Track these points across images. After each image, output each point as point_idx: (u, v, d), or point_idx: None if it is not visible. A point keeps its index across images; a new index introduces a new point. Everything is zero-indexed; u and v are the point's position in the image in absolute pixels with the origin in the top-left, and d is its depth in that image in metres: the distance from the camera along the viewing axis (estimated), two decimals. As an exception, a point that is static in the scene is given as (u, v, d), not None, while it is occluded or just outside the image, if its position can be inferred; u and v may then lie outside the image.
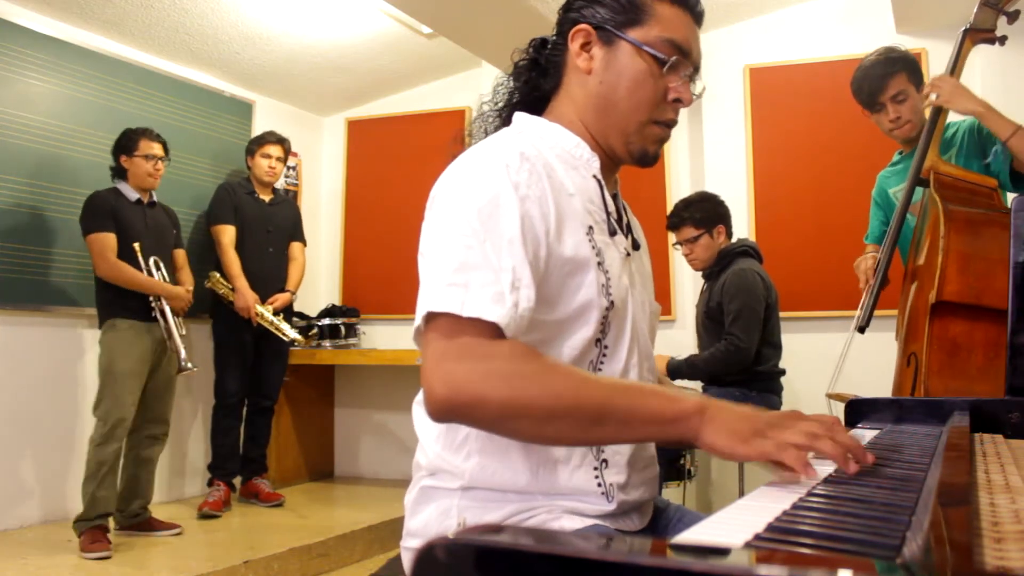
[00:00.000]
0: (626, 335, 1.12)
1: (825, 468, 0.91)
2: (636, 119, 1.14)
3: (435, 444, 1.11)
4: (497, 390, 0.90)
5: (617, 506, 1.09)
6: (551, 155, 1.11)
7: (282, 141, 4.18)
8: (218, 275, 4.00)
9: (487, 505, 1.07)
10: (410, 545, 1.15)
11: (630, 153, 1.16)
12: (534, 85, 1.21)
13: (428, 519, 1.10)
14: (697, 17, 1.17)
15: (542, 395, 0.92)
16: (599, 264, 1.07)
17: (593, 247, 1.07)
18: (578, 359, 1.08)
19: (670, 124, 1.16)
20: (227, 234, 4.01)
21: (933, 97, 2.26)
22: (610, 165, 1.19)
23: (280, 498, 4.04)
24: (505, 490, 1.06)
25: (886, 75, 2.42)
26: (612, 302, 1.08)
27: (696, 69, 1.16)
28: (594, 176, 1.15)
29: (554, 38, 1.20)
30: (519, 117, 1.19)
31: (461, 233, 0.98)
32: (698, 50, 1.16)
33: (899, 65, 2.42)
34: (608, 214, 1.15)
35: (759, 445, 0.89)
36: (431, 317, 0.95)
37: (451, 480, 1.09)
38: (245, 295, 3.94)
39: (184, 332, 3.46)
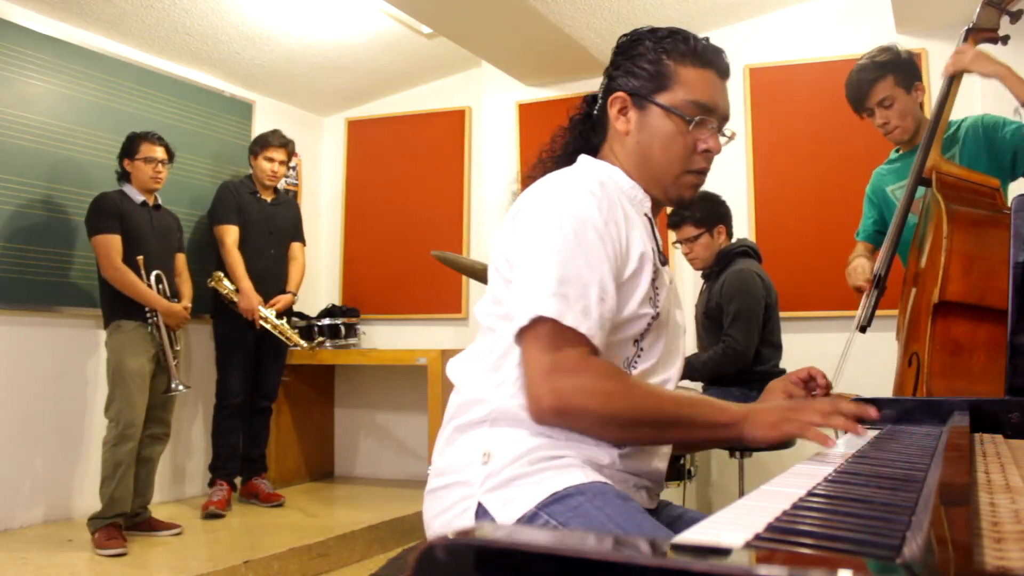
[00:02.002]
0: (661, 341, 1.28)
1: (824, 468, 0.92)
2: (671, 172, 1.30)
3: (475, 380, 1.24)
4: (594, 405, 1.12)
5: (621, 454, 1.20)
6: (615, 190, 1.28)
7: (286, 144, 4.13)
8: (221, 274, 3.99)
9: (513, 437, 1.17)
10: (435, 485, 1.24)
11: (669, 199, 1.35)
12: (586, 138, 1.38)
13: (455, 454, 1.21)
14: (722, 73, 1.32)
15: (628, 410, 1.14)
16: (653, 280, 1.24)
17: (653, 266, 1.25)
18: (617, 355, 1.24)
19: (702, 171, 1.33)
20: (231, 234, 4.00)
21: (947, 67, 2.25)
22: (655, 206, 1.36)
23: (280, 498, 4.03)
24: (529, 425, 1.16)
25: (870, 81, 2.40)
26: (658, 313, 1.25)
27: (724, 119, 1.32)
28: (645, 214, 1.32)
29: (600, 99, 1.37)
30: (584, 159, 1.36)
31: (557, 249, 1.16)
32: (725, 103, 1.32)
33: (885, 69, 2.39)
34: (658, 246, 1.32)
35: (786, 427, 1.16)
36: (536, 320, 1.13)
37: (482, 408, 1.21)
38: (249, 297, 3.93)
39: (179, 348, 3.48)
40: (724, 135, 1.32)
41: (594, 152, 1.37)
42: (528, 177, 1.38)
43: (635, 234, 1.23)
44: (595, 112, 1.38)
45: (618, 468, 1.20)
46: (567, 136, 1.41)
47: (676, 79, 1.28)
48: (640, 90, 1.29)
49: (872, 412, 1.14)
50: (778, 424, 1.16)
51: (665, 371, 1.30)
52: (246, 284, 3.94)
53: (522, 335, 1.14)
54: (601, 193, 1.20)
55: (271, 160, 4.08)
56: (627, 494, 1.19)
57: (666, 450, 1.32)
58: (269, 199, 4.18)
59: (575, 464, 1.16)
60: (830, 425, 1.14)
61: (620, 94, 1.31)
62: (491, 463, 1.16)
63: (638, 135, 1.30)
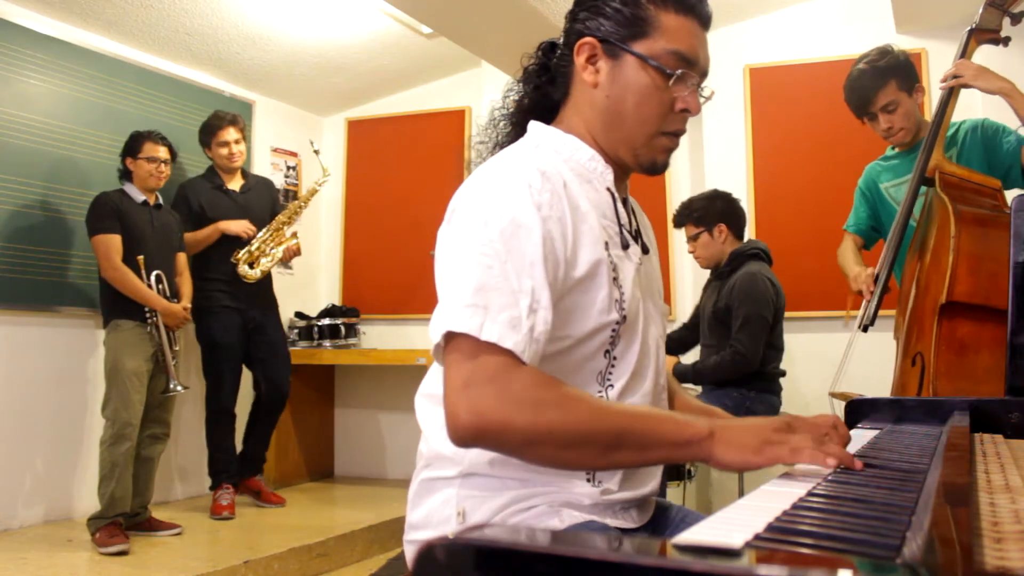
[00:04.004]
0: (635, 346, 1.13)
1: (824, 468, 0.91)
2: (644, 132, 1.14)
3: (438, 433, 1.12)
4: (521, 419, 0.93)
5: (603, 491, 1.09)
6: (566, 169, 1.11)
7: (235, 121, 3.85)
8: (238, 257, 3.82)
9: (486, 494, 1.08)
10: (412, 538, 1.16)
11: (639, 164, 1.17)
12: (544, 93, 1.21)
13: (429, 511, 1.12)
14: (704, 22, 1.15)
15: (563, 424, 0.95)
16: (614, 279, 1.09)
17: (609, 263, 1.08)
18: (588, 370, 1.10)
19: (678, 134, 1.16)
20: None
21: (947, 76, 2.25)
22: (621, 174, 1.20)
23: (282, 501, 3.98)
24: (503, 476, 1.08)
25: (874, 87, 2.40)
26: (624, 316, 1.10)
27: (704, 75, 1.16)
28: (607, 188, 1.16)
29: (561, 46, 1.20)
30: (534, 127, 1.19)
31: (482, 253, 0.99)
32: (706, 56, 1.16)
33: (888, 74, 2.39)
34: (621, 226, 1.16)
35: (771, 452, 0.96)
36: (451, 336, 0.96)
37: (450, 467, 1.10)
38: (235, 225, 3.78)
39: (178, 348, 3.46)
40: (702, 95, 1.16)
41: (555, 109, 1.20)
42: (480, 143, 1.25)
43: (585, 232, 1.06)
44: (554, 61, 1.19)
45: (599, 502, 1.10)
46: (522, 91, 1.23)
47: (656, 25, 1.10)
48: (613, 36, 1.12)
49: (858, 465, 0.91)
50: (760, 448, 0.95)
51: (644, 379, 1.15)
52: (223, 224, 3.78)
53: (441, 351, 0.98)
54: (541, 185, 1.03)
55: (225, 144, 3.85)
56: (606, 525, 1.10)
57: (655, 474, 1.18)
58: (238, 187, 3.95)
59: (549, 511, 1.07)
60: (825, 451, 0.92)
61: (589, 39, 1.13)
62: (466, 523, 1.08)
63: (609, 88, 1.13)
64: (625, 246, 1.14)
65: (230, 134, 3.85)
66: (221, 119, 3.85)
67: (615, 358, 1.11)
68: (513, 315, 0.96)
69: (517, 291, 0.98)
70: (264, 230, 3.89)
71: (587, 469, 1.07)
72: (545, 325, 0.99)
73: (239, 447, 4.01)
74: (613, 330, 1.09)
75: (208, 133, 3.88)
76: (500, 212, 1.01)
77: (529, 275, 0.99)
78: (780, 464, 0.96)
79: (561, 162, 1.12)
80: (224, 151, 3.85)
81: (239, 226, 3.80)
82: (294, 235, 4.00)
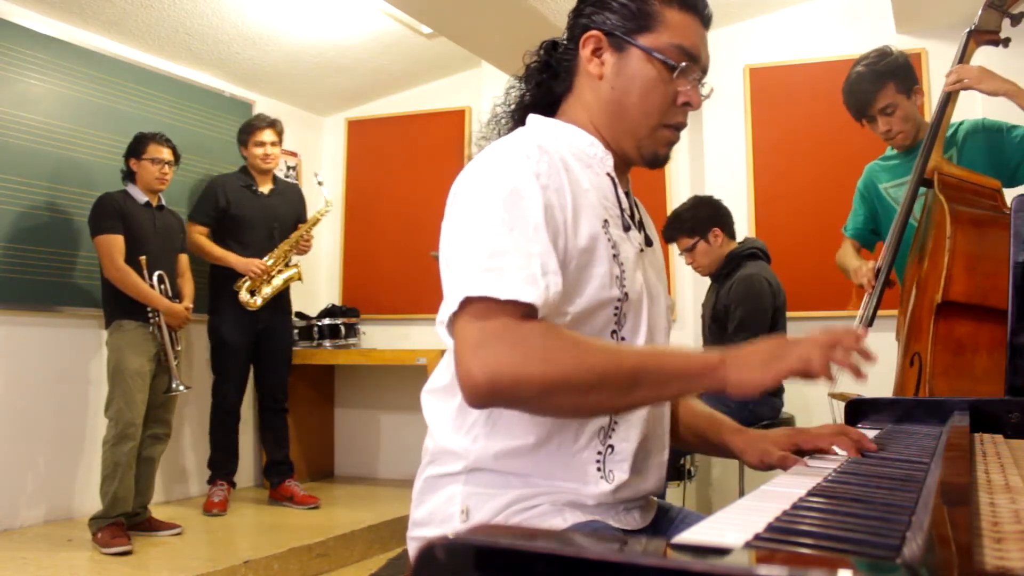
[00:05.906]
0: (642, 328, 1.14)
1: (824, 469, 0.92)
2: (647, 123, 1.16)
3: (444, 427, 1.13)
4: (536, 369, 0.93)
5: (615, 489, 1.10)
6: (566, 152, 1.13)
7: (273, 124, 4.00)
8: (240, 284, 3.90)
9: (490, 491, 1.09)
10: (416, 535, 1.17)
11: (642, 156, 1.19)
12: (546, 88, 1.23)
13: (433, 508, 1.13)
14: (705, 21, 1.19)
15: (579, 368, 0.95)
16: (614, 256, 1.10)
17: (609, 239, 1.10)
18: None
19: (679, 127, 1.19)
20: (196, 231, 3.90)
21: (950, 83, 2.25)
22: (622, 165, 1.22)
23: (316, 500, 3.96)
24: (508, 472, 1.09)
25: (872, 90, 2.39)
26: (626, 293, 1.11)
27: (704, 72, 1.19)
28: (608, 174, 1.18)
29: (565, 42, 1.22)
30: (533, 119, 1.22)
31: (489, 223, 1.00)
32: (707, 53, 1.20)
33: (886, 77, 2.38)
34: (622, 210, 1.17)
35: (778, 365, 0.97)
36: (467, 303, 0.97)
37: (455, 462, 1.11)
38: (241, 265, 3.84)
39: (180, 348, 3.49)
40: (702, 92, 1.19)
41: (556, 105, 1.23)
42: (481, 139, 1.27)
43: (585, 207, 1.08)
44: (557, 57, 1.22)
45: (605, 502, 1.10)
46: (524, 87, 1.25)
47: (660, 20, 1.14)
48: (619, 29, 1.15)
49: (862, 376, 0.96)
50: (769, 363, 0.97)
51: None
52: (231, 258, 3.85)
53: (454, 321, 0.98)
54: (539, 156, 1.06)
55: (261, 144, 3.97)
56: (608, 526, 1.10)
57: (660, 470, 1.19)
58: (267, 190, 4.05)
59: (551, 510, 1.08)
60: (832, 359, 0.96)
61: (595, 33, 1.16)
62: (470, 521, 1.09)
63: (614, 80, 1.15)
64: (626, 228, 1.16)
65: (267, 135, 3.99)
66: (261, 120, 4.02)
67: (623, 339, 1.12)
68: (529, 273, 0.97)
69: (528, 254, 0.99)
70: (267, 256, 3.94)
71: (608, 412, 1.08)
72: (557, 287, 1.00)
73: (241, 446, 4.03)
74: (616, 307, 1.10)
75: (247, 132, 4.01)
76: (500, 183, 1.03)
77: (535, 240, 1.00)
78: (789, 376, 0.98)
79: (562, 146, 1.14)
80: (259, 151, 3.98)
81: (246, 267, 3.87)
82: (296, 265, 4.06)
